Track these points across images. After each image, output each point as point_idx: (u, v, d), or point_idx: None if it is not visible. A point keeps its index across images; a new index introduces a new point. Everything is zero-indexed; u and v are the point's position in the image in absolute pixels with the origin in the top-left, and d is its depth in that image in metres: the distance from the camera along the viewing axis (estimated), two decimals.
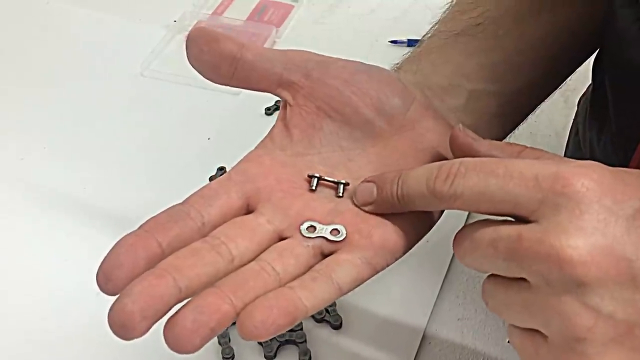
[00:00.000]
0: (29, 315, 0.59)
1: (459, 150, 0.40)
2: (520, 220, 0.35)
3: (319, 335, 0.57)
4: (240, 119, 0.75)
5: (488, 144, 0.40)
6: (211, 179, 0.68)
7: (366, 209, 0.40)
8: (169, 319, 0.33)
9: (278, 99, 0.74)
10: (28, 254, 0.63)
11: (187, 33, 0.42)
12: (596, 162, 0.35)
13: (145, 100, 0.78)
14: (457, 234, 0.37)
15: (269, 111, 0.75)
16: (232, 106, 0.76)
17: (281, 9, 0.88)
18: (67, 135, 0.73)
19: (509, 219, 0.35)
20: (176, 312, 0.33)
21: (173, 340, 0.32)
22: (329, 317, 0.57)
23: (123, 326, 0.32)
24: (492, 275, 0.36)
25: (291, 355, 0.56)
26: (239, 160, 0.41)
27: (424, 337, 0.57)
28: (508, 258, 0.34)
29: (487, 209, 0.35)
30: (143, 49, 0.81)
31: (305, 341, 0.55)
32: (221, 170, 0.69)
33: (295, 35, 0.85)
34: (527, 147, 0.39)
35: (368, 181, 0.40)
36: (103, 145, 0.73)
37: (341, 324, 0.57)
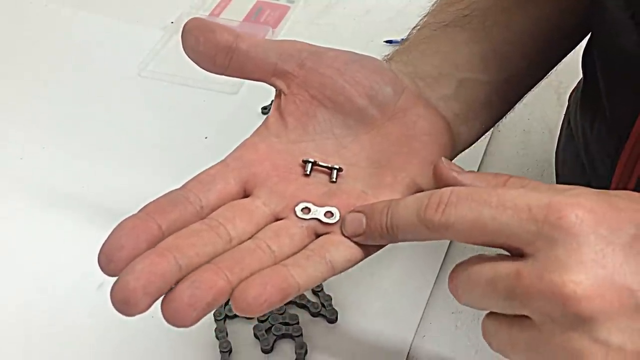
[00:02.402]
0: (30, 312, 0.59)
1: (443, 183, 0.39)
2: (513, 252, 0.34)
3: (315, 329, 0.57)
4: (237, 118, 0.75)
5: (472, 176, 0.39)
6: None
7: (356, 239, 0.39)
8: (166, 295, 0.33)
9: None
10: (28, 252, 0.63)
11: None
12: (586, 188, 0.34)
13: (142, 101, 0.78)
14: (452, 272, 0.37)
15: (265, 110, 0.76)
16: (229, 106, 0.76)
17: (277, 10, 0.89)
18: (66, 135, 0.74)
19: (503, 252, 0.34)
20: (173, 288, 0.33)
21: (170, 314, 0.33)
22: (325, 311, 0.57)
23: (125, 302, 0.32)
24: (492, 312, 0.35)
25: (287, 348, 0.56)
26: None
27: (418, 331, 0.57)
28: (509, 297, 0.33)
29: (480, 239, 0.35)
30: (141, 49, 0.82)
31: (302, 335, 0.56)
32: None
33: (292, 36, 0.85)
34: (511, 177, 0.38)
35: (357, 211, 0.39)
36: (101, 144, 0.73)
37: (337, 318, 0.57)
